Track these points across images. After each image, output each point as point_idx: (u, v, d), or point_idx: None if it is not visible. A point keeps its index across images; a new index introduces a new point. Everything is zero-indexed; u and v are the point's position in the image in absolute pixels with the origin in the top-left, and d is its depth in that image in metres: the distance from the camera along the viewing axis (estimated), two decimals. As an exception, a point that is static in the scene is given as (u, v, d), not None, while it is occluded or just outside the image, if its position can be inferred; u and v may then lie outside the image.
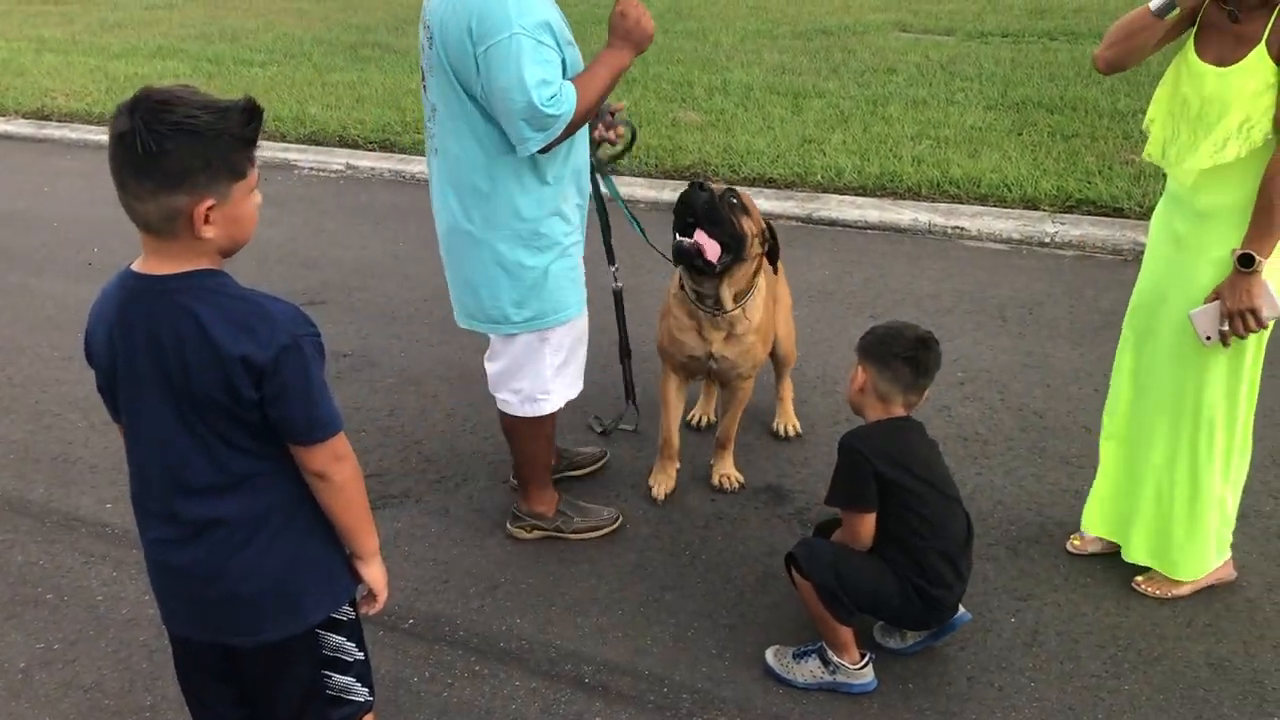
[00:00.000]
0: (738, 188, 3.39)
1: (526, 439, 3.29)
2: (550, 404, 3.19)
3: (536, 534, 3.41)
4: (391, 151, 7.77)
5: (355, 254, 5.97)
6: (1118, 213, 5.96)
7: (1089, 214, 6.01)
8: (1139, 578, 3.13)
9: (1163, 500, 3.03)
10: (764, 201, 6.41)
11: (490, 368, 3.24)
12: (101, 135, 8.51)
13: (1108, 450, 3.20)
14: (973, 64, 9.78)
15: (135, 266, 1.82)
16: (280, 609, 1.97)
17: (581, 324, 3.20)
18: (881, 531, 2.66)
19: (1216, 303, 2.74)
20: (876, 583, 2.65)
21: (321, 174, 7.62)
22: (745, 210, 3.27)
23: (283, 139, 8.14)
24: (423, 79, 2.99)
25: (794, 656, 2.82)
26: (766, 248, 3.38)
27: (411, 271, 5.67)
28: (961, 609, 2.84)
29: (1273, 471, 3.66)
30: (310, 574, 1.99)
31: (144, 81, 9.80)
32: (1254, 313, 2.68)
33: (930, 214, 6.13)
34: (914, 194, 6.45)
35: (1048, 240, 5.84)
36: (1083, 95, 8.32)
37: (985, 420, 4.05)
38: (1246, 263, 2.66)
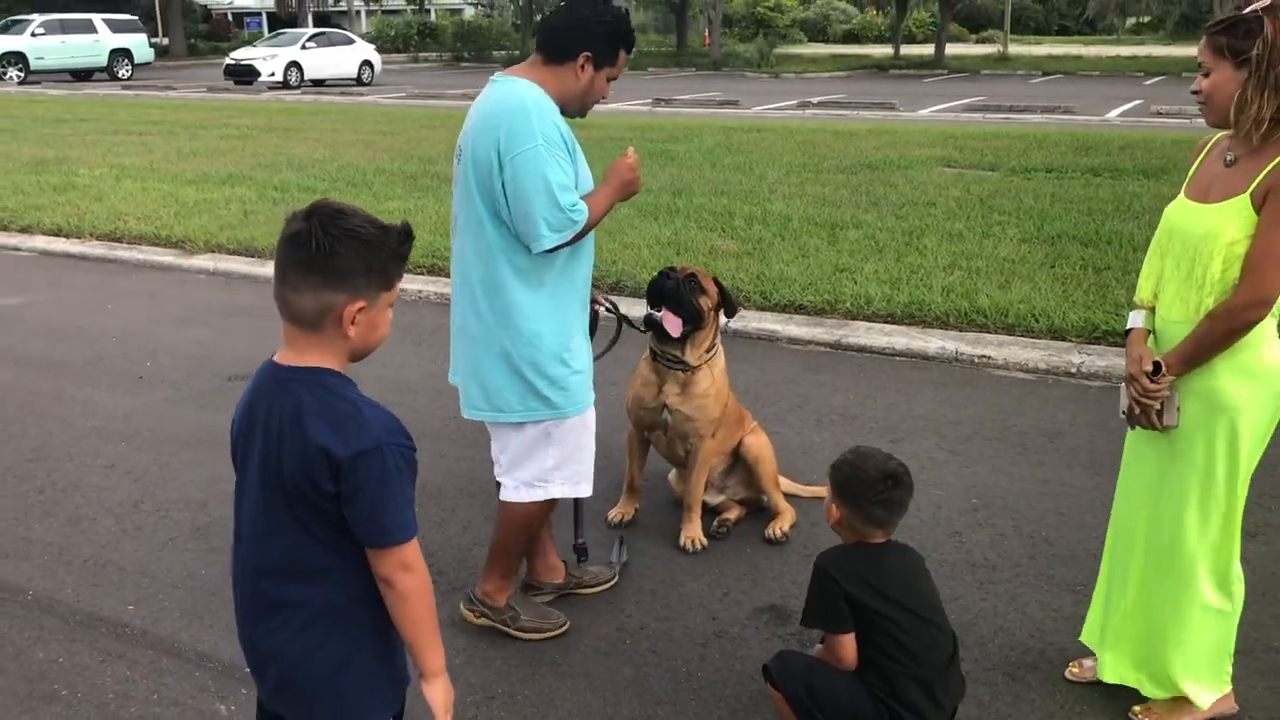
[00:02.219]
0: (696, 268, 4.07)
1: (509, 523, 3.45)
2: (544, 493, 3.35)
3: (483, 621, 3.54)
4: (439, 275, 8.05)
5: (394, 372, 6.17)
6: (1144, 344, 5.99)
7: (1116, 345, 6.05)
8: (1136, 708, 3.10)
9: (1148, 607, 3.03)
10: (793, 328, 6.55)
11: (499, 456, 3.41)
12: (167, 257, 8.97)
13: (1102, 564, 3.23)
14: (1012, 198, 9.96)
15: (275, 357, 2.01)
16: (322, 708, 2.04)
17: (585, 420, 3.36)
18: (859, 653, 2.69)
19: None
20: (851, 702, 2.67)
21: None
22: (703, 290, 3.98)
23: (336, 262, 8.47)
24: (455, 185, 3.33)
25: None
26: (722, 309, 4.08)
27: (445, 389, 5.80)
28: None
29: (1283, 604, 3.62)
30: (357, 682, 2.04)
31: (212, 206, 10.42)
32: (1155, 413, 2.87)
33: (957, 342, 6.21)
34: (942, 322, 6.55)
35: (1074, 370, 5.88)
36: (1119, 229, 8.43)
37: (995, 546, 4.06)
38: (1156, 369, 2.83)
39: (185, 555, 4.13)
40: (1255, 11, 2.66)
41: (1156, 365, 2.84)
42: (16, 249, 9.72)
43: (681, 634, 3.57)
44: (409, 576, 1.96)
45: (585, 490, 3.43)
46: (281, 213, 9.80)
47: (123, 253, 9.25)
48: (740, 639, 3.53)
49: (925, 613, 2.73)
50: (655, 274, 4.05)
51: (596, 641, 3.53)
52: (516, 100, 3.10)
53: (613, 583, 3.88)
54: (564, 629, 3.56)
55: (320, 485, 1.90)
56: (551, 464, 3.33)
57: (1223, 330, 2.74)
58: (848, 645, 2.68)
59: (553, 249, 3.10)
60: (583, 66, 3.19)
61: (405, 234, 1.99)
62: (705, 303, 3.98)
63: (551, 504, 3.46)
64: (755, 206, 9.40)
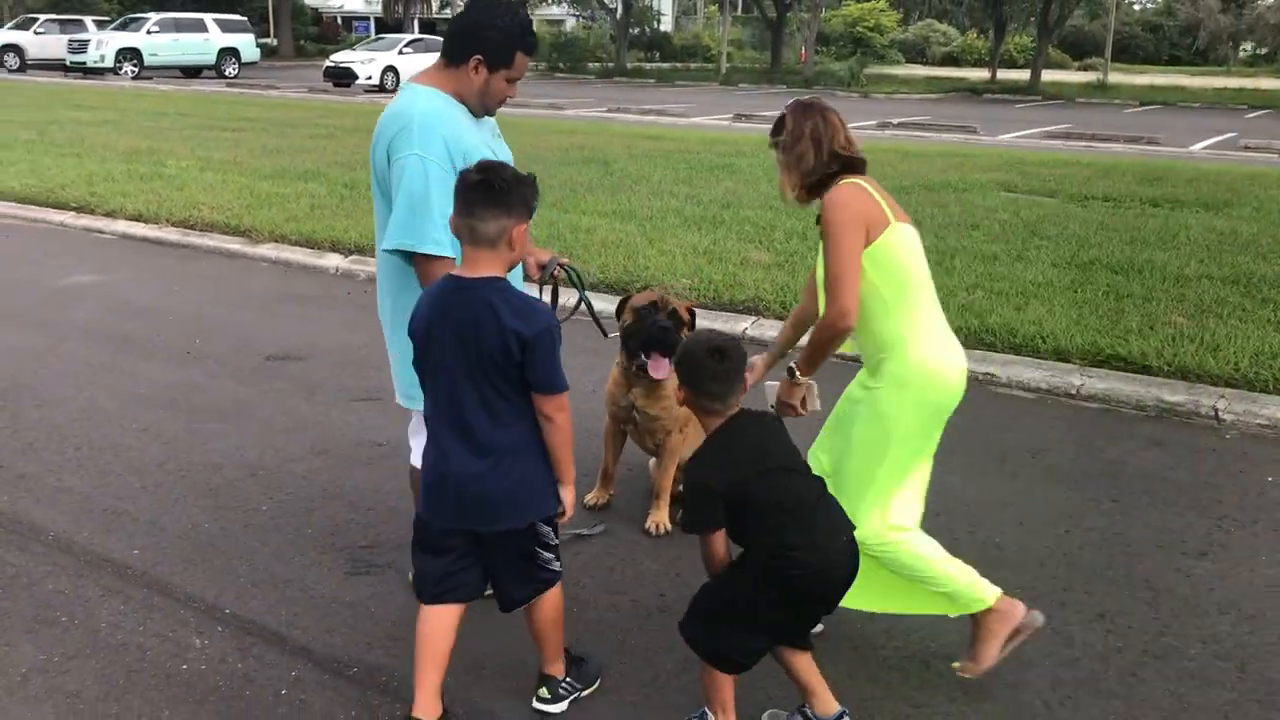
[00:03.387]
0: (676, 301, 4.39)
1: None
2: (411, 458, 3.73)
3: None
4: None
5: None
6: (1145, 370, 6.09)
7: (1119, 369, 6.15)
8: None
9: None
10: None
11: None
12: (234, 245, 9.48)
13: None
14: (1058, 224, 10.00)
15: (456, 272, 2.91)
16: (515, 507, 2.97)
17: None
18: (745, 538, 2.92)
19: (777, 384, 3.53)
20: (732, 584, 2.94)
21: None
22: (685, 324, 4.29)
23: (360, 252, 8.91)
24: None
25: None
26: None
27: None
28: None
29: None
30: (537, 487, 2.99)
31: (283, 199, 10.98)
32: (792, 405, 3.47)
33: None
34: (953, 340, 6.69)
35: (1073, 391, 6.00)
36: (1153, 258, 8.46)
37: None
38: (790, 373, 3.42)
39: (193, 511, 4.51)
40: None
41: (791, 370, 3.42)
42: (101, 232, 10.37)
43: (628, 607, 3.84)
44: (562, 414, 2.93)
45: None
46: (345, 208, 10.31)
47: (195, 239, 9.82)
48: (680, 613, 3.77)
49: (788, 464, 2.98)
50: (645, 313, 4.29)
51: (547, 608, 3.80)
52: (405, 110, 3.36)
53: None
54: None
55: (512, 357, 2.81)
56: (411, 436, 3.79)
57: (824, 339, 3.28)
58: (718, 541, 2.92)
59: (393, 252, 3.31)
60: (475, 69, 3.41)
61: (534, 180, 2.93)
62: (685, 333, 4.23)
63: None
64: (799, 221, 9.59)
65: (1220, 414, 5.62)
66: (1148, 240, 9.24)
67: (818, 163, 3.31)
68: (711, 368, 2.94)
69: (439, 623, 3.07)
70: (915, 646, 3.62)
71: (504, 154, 3.67)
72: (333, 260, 8.97)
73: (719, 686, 3.06)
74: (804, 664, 3.08)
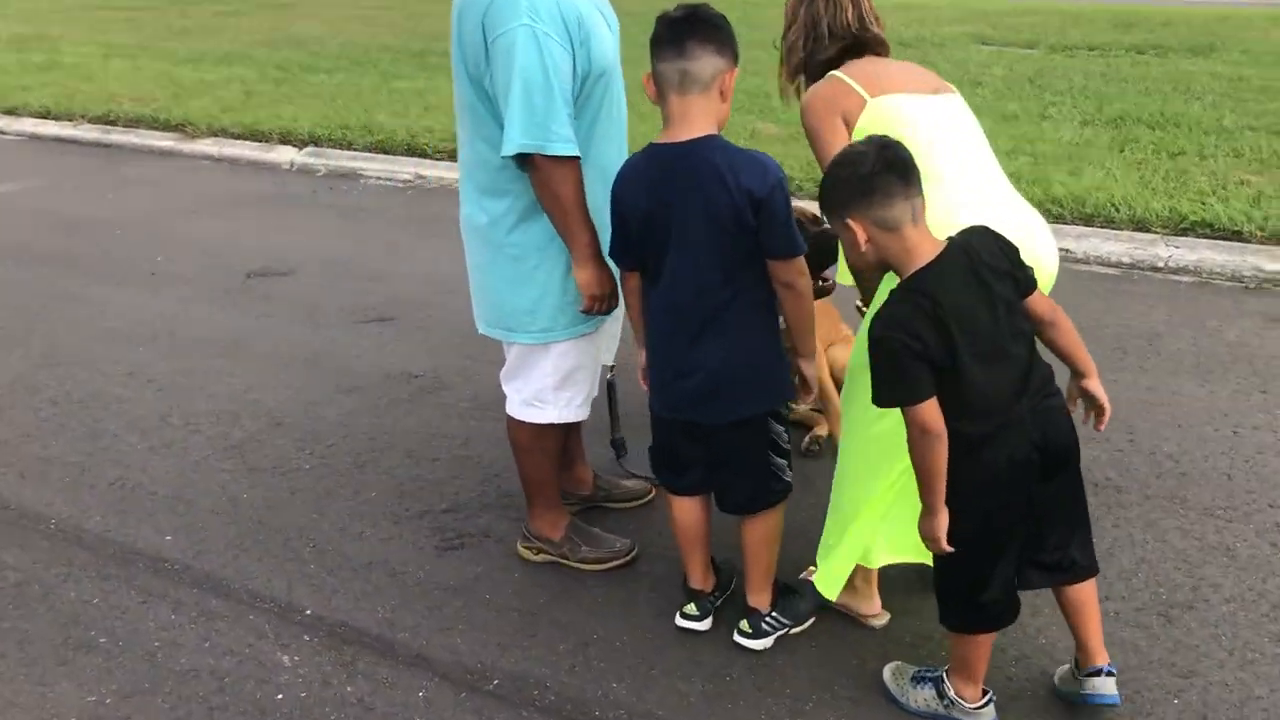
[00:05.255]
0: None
1: (526, 450, 3.11)
2: (545, 415, 2.99)
3: (542, 557, 3.20)
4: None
5: (426, 269, 5.71)
6: (1237, 235, 5.55)
7: (1205, 236, 5.61)
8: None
9: None
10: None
11: (507, 355, 3.06)
12: (167, 142, 8.39)
13: None
14: (1061, 78, 9.39)
15: (658, 140, 2.52)
16: (744, 395, 2.63)
17: (591, 341, 2.98)
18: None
19: None
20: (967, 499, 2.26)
21: (389, 184, 7.40)
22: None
23: (349, 147, 7.93)
24: None
25: (911, 679, 2.60)
26: None
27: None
28: (1112, 688, 2.50)
29: None
30: (767, 371, 2.65)
31: (211, 87, 9.78)
32: None
33: (1032, 235, 5.76)
34: (1013, 213, 6.08)
35: (1161, 265, 5.45)
36: (1183, 111, 7.91)
37: (1115, 464, 3.69)
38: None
39: (222, 476, 3.74)
40: None
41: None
42: (2, 132, 9.13)
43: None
44: (803, 279, 2.56)
45: (583, 414, 3.07)
46: (283, 94, 9.22)
47: (118, 136, 8.68)
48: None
49: (994, 347, 2.22)
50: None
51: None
52: None
53: (648, 499, 3.52)
54: (631, 556, 3.19)
55: (744, 220, 2.44)
56: (550, 382, 2.97)
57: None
58: (927, 412, 2.17)
59: (523, 162, 2.64)
60: None
61: None
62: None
63: (560, 429, 3.09)
64: (791, 86, 8.83)
65: (1328, 282, 5.13)
66: (1164, 91, 8.67)
67: (811, 49, 2.85)
68: (879, 158, 2.18)
69: (692, 513, 2.86)
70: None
71: (613, 21, 2.89)
72: (285, 154, 7.96)
73: (978, 654, 2.47)
74: (1080, 598, 2.50)
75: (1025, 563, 2.42)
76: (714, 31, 2.47)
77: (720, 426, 2.68)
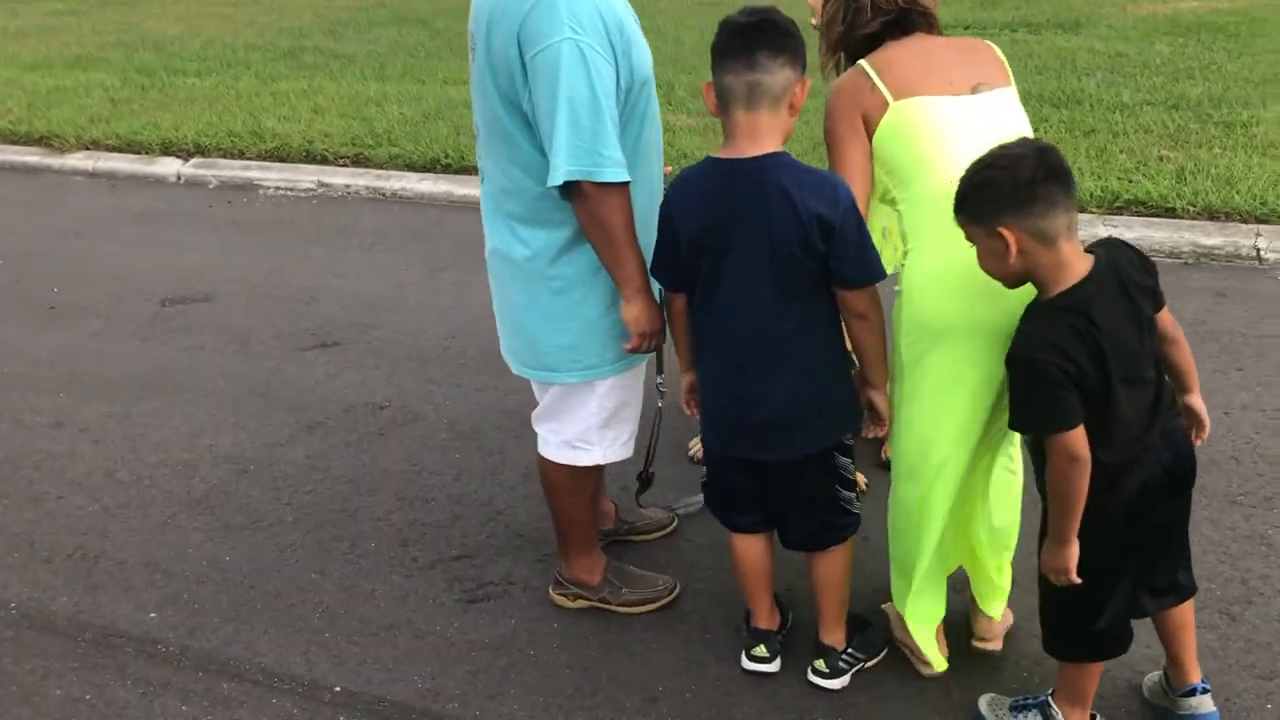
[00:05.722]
0: None
1: (564, 494, 2.87)
2: (589, 457, 2.77)
3: (580, 604, 2.99)
4: (366, 166, 7.13)
5: (354, 286, 5.37)
6: (1170, 213, 5.66)
7: (1140, 214, 5.70)
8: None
9: None
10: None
11: (539, 396, 2.83)
12: (31, 157, 7.73)
13: None
14: (952, 57, 9.48)
15: (719, 155, 2.33)
16: (808, 429, 2.46)
17: (636, 376, 2.77)
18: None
19: None
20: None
21: (290, 194, 6.96)
22: None
23: (241, 156, 7.43)
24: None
25: (1011, 709, 2.49)
26: None
27: (422, 303, 5.10)
28: (1210, 706, 2.45)
29: None
30: (833, 403, 2.48)
31: (69, 95, 9.08)
32: None
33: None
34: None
35: (1102, 244, 5.51)
36: (1080, 88, 8.06)
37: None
38: None
39: (195, 537, 3.39)
40: None
41: None
42: None
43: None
44: (877, 311, 2.38)
45: (627, 452, 2.84)
46: (153, 101, 8.60)
47: (-26, 154, 7.94)
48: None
49: (1138, 371, 2.12)
50: None
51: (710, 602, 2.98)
52: None
53: (671, 528, 3.33)
54: (674, 595, 3.00)
55: (813, 246, 2.26)
56: (595, 422, 2.73)
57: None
58: (1078, 439, 2.05)
59: (568, 190, 2.39)
60: None
61: None
62: None
63: (600, 469, 2.88)
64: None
65: (1262, 253, 5.26)
66: (1053, 69, 8.84)
67: (851, 22, 2.55)
68: (1036, 168, 2.01)
69: (756, 551, 2.70)
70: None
71: (637, 26, 2.67)
72: (170, 166, 7.41)
73: (1089, 680, 2.38)
74: (1182, 618, 2.42)
75: (1139, 588, 2.33)
76: (786, 40, 2.26)
77: (784, 462, 2.50)
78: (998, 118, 2.46)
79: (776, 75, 2.24)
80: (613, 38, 2.40)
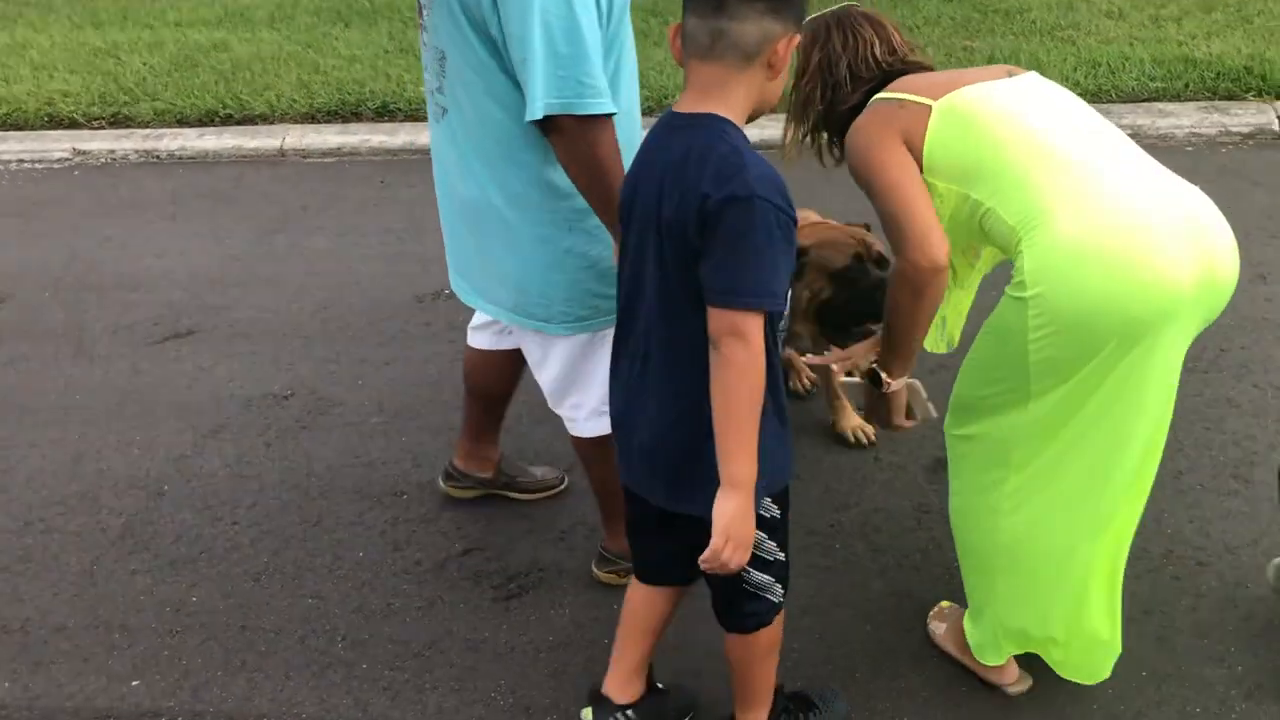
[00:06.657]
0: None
1: (599, 461, 2.63)
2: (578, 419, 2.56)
3: (629, 579, 2.76)
4: (129, 127, 6.27)
5: (178, 263, 4.71)
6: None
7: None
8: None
9: None
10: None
11: (543, 379, 2.55)
12: None
13: None
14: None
15: (676, 107, 1.84)
16: (694, 482, 1.85)
17: None
18: None
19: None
20: None
21: (43, 167, 6.02)
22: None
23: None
24: (419, 13, 2.31)
25: None
26: None
27: (270, 275, 4.54)
28: None
29: None
30: (772, 439, 1.85)
31: None
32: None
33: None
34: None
35: None
36: None
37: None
38: (875, 379, 2.37)
39: (140, 581, 2.87)
40: None
41: (874, 374, 2.43)
42: None
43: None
44: (739, 345, 1.71)
45: None
46: None
47: None
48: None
49: None
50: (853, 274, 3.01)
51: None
52: None
53: (557, 490, 3.13)
54: None
55: (690, 236, 1.74)
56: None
57: (907, 303, 2.25)
58: None
59: (546, 124, 2.11)
60: None
61: None
62: None
63: None
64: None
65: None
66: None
67: (831, 99, 2.32)
68: None
69: (647, 604, 2.22)
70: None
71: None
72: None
73: None
74: None
75: None
76: None
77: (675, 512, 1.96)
78: (1047, 92, 2.20)
79: (748, 25, 1.74)
80: None
